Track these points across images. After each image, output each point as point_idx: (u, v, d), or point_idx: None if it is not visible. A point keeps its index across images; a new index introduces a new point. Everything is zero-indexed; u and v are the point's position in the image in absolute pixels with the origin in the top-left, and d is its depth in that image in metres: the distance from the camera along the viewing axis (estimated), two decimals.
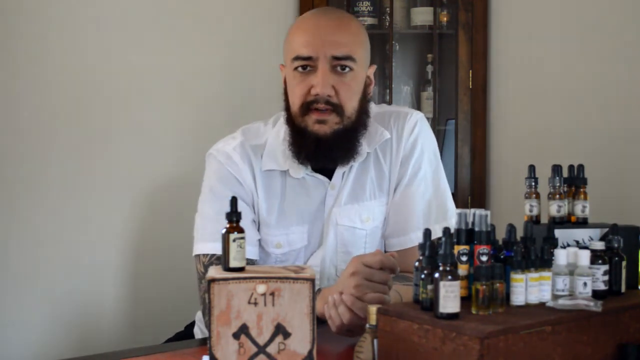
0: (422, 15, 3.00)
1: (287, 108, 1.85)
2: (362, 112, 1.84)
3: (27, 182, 2.46)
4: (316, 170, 1.86)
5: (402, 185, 1.89)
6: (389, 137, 1.89)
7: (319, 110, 1.77)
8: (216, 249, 1.78)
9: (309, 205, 1.87)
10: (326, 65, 1.76)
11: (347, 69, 1.78)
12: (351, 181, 1.88)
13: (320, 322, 1.52)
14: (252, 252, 1.83)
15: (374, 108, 1.92)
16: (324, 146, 1.79)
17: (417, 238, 1.79)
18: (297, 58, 1.78)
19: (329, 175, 1.87)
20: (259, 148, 1.88)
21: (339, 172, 1.87)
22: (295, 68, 1.79)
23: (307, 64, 1.77)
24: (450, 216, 1.89)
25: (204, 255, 1.82)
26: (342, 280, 1.57)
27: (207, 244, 1.82)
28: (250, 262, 1.82)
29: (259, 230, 1.87)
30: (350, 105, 1.80)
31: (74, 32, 2.53)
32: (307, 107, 1.78)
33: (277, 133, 1.88)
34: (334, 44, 1.76)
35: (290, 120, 1.83)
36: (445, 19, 3.01)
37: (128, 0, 2.62)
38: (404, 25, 3.04)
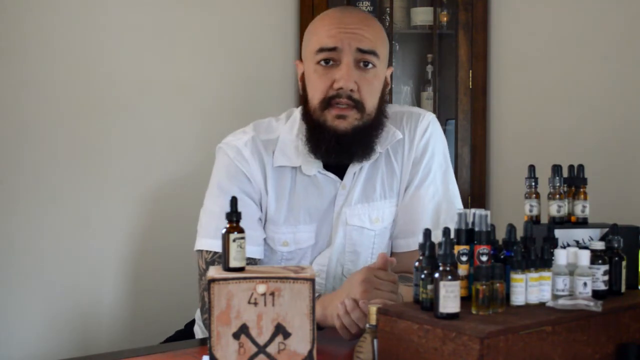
0: (422, 15, 3.00)
1: (305, 103, 1.83)
2: (381, 112, 1.82)
3: (29, 181, 2.46)
4: (328, 168, 1.84)
5: (412, 187, 1.88)
6: (401, 138, 1.88)
7: (340, 105, 1.76)
8: (219, 246, 1.76)
9: (319, 204, 1.85)
10: (350, 59, 1.75)
11: (370, 65, 1.77)
12: (362, 181, 1.86)
13: (318, 327, 1.52)
14: (257, 251, 1.81)
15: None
16: (343, 141, 1.77)
17: None
18: (321, 50, 1.76)
19: (341, 175, 1.86)
20: (271, 143, 1.85)
21: (350, 171, 1.85)
22: (318, 61, 1.77)
23: (331, 57, 1.76)
24: None
25: (206, 251, 1.81)
26: (351, 287, 1.56)
27: (211, 240, 1.80)
28: (254, 261, 1.81)
29: (265, 227, 1.85)
30: (371, 103, 1.79)
31: (78, 34, 2.53)
32: (328, 101, 1.77)
33: (290, 128, 1.86)
34: (359, 37, 1.76)
35: (308, 115, 1.81)
36: (445, 19, 3.01)
37: (134, 4, 2.62)
38: (404, 25, 3.04)
